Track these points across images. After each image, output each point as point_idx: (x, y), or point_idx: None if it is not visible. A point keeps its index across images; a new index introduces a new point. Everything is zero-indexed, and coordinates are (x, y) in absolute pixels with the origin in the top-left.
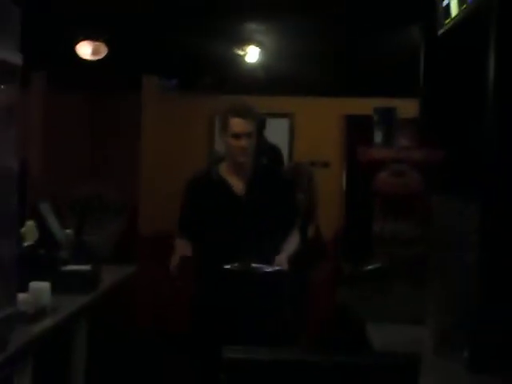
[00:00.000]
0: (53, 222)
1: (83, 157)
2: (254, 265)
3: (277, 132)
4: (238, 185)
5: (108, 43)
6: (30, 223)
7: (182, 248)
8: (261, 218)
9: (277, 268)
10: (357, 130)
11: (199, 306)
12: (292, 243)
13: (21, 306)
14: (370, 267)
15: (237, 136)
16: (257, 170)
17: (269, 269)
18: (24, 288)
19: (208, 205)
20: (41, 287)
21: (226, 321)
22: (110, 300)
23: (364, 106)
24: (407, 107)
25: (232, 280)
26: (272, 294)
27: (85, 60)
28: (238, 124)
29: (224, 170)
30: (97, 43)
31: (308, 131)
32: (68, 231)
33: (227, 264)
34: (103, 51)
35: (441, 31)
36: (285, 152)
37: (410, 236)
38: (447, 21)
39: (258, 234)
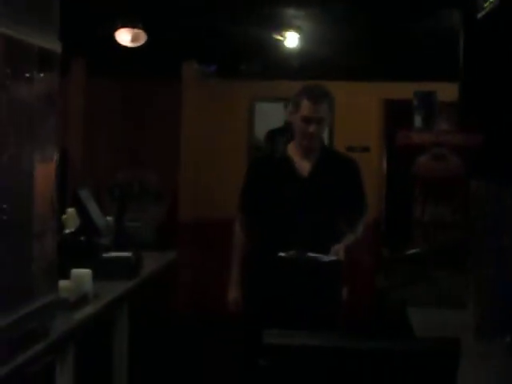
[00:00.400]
0: (93, 209)
1: (123, 143)
2: (310, 254)
3: None
4: (303, 166)
5: (147, 30)
6: (70, 210)
7: (236, 286)
8: (324, 202)
9: (333, 258)
10: (396, 114)
11: (250, 293)
12: (353, 234)
13: (62, 293)
14: (409, 252)
15: (307, 120)
16: (324, 152)
17: (324, 259)
18: (65, 275)
19: (270, 184)
20: (82, 274)
21: (277, 310)
22: (152, 286)
23: (403, 90)
24: (447, 91)
25: (286, 268)
26: (326, 285)
27: (124, 47)
28: (309, 108)
29: (291, 149)
30: (136, 30)
31: (348, 116)
32: (109, 218)
33: (283, 250)
34: (142, 38)
35: (480, 14)
36: (325, 137)
37: (450, 220)
38: (486, 4)
39: (320, 219)
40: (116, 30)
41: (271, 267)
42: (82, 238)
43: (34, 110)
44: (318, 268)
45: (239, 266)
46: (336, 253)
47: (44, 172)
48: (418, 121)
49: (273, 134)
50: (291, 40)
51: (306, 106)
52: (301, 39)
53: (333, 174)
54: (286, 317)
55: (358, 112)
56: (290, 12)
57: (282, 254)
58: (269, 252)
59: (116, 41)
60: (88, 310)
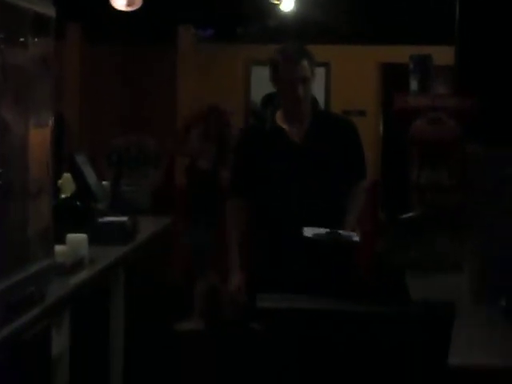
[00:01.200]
0: (89, 174)
1: (120, 108)
2: (342, 232)
3: None
4: (296, 133)
5: None
6: (66, 175)
7: (239, 274)
8: (321, 169)
9: (357, 236)
10: (393, 78)
11: (256, 277)
12: (359, 200)
13: (58, 257)
14: (406, 215)
15: (290, 83)
16: (317, 115)
17: (356, 238)
18: (61, 240)
19: (263, 156)
20: (78, 239)
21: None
22: (147, 251)
23: (400, 53)
24: (443, 54)
25: (315, 250)
26: (349, 263)
27: (120, 11)
28: (290, 70)
29: (280, 117)
30: None
31: (344, 80)
32: (105, 183)
33: (292, 226)
34: (138, 2)
35: None
36: (321, 101)
37: (447, 184)
38: None
39: (318, 187)
40: None
41: (291, 248)
42: (78, 203)
43: (29, 74)
44: (350, 248)
45: (238, 248)
46: (351, 225)
47: (39, 137)
48: (414, 84)
49: (269, 98)
50: (287, 3)
51: (285, 68)
52: (296, 2)
53: (328, 137)
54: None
55: (354, 76)
56: None
57: (307, 235)
58: (272, 229)
59: (112, 5)
60: (84, 274)
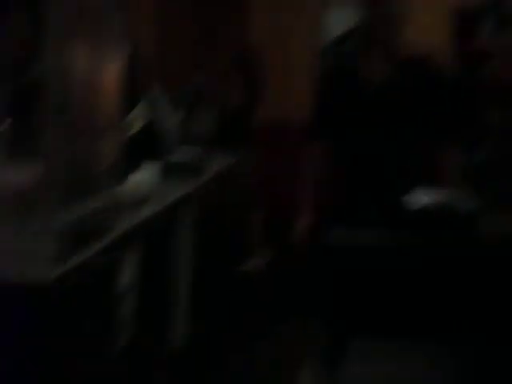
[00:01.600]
0: (161, 109)
1: (197, 40)
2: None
3: None
4: (379, 75)
5: None
6: (137, 110)
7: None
8: (407, 124)
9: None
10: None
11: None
12: None
13: (127, 191)
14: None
15: (379, 19)
16: (403, 60)
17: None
18: (129, 176)
19: (346, 98)
20: (147, 174)
21: None
22: (215, 188)
23: None
24: None
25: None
26: None
27: None
28: (378, 5)
29: (364, 59)
30: None
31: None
32: (176, 118)
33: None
34: None
35: None
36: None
37: None
38: None
39: (406, 147)
40: None
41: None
42: (148, 138)
43: (101, 6)
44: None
45: (313, 188)
46: None
47: (110, 71)
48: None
49: (342, 39)
50: None
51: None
52: None
53: (415, 82)
54: None
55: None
56: None
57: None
58: (351, 172)
59: None
60: (151, 210)
